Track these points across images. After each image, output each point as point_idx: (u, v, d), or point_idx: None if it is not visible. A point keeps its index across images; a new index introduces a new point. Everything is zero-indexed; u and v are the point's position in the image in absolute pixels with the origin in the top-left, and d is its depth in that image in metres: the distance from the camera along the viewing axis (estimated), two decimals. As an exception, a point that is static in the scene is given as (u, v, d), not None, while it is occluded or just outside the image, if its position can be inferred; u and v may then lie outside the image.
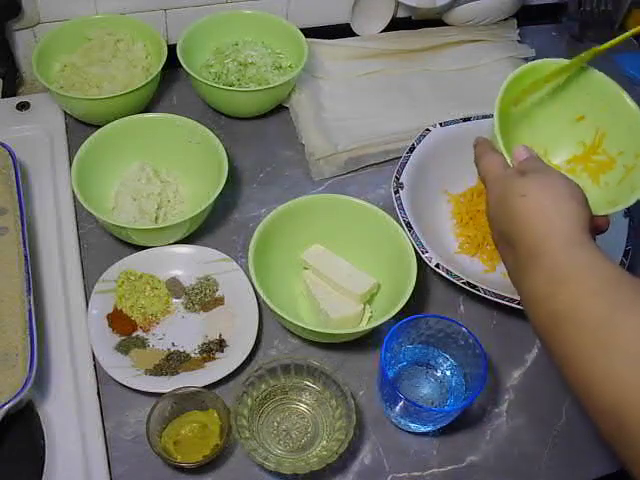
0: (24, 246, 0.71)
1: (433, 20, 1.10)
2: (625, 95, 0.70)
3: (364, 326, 0.74)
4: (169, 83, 0.97)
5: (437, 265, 0.74)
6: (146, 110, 0.90)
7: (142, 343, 0.72)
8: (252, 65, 0.94)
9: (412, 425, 0.68)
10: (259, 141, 0.94)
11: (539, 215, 0.55)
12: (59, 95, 0.85)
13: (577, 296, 0.51)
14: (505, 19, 1.11)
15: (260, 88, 0.90)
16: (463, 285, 0.73)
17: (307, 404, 0.68)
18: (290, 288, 0.78)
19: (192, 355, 0.71)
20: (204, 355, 0.71)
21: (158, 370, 0.69)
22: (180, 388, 0.65)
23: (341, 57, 1.04)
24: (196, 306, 0.75)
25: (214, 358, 0.71)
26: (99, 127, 0.81)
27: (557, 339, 0.51)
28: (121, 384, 0.68)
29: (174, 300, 0.76)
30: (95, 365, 0.70)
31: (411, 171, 0.83)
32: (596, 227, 0.61)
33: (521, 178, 0.59)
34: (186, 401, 0.65)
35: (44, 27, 0.93)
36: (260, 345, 0.74)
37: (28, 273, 0.69)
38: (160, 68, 0.88)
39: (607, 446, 0.70)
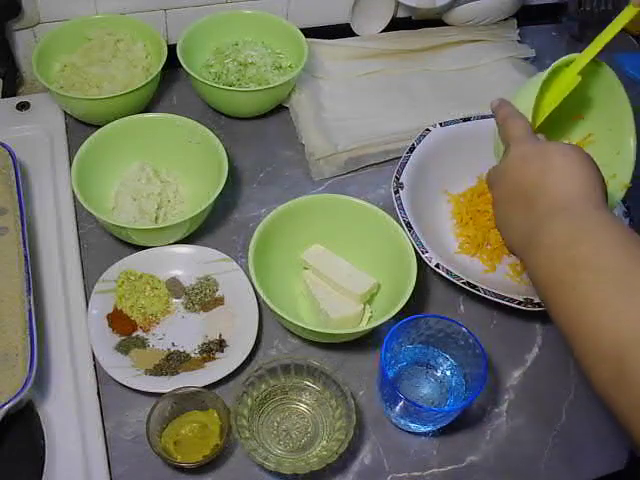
0: (24, 246, 0.71)
1: (433, 20, 1.10)
2: (630, 120, 0.71)
3: (364, 326, 0.74)
4: (169, 83, 0.97)
5: (437, 265, 0.74)
6: (146, 110, 0.90)
7: (142, 343, 0.72)
8: (252, 65, 0.94)
9: (412, 425, 0.68)
10: (259, 141, 0.94)
11: (577, 173, 0.58)
12: (59, 95, 0.85)
13: (600, 245, 0.52)
14: (505, 19, 1.11)
15: (260, 88, 0.90)
16: (463, 285, 0.73)
17: (307, 404, 0.68)
18: (290, 288, 0.78)
19: (192, 355, 0.71)
20: (204, 355, 0.71)
21: (158, 370, 0.69)
22: (180, 388, 0.65)
23: (341, 57, 1.04)
24: (196, 306, 0.75)
25: (214, 358, 0.71)
26: (99, 127, 0.81)
27: (570, 285, 0.52)
28: (121, 384, 0.68)
29: (174, 300, 0.76)
30: (95, 365, 0.70)
31: (411, 171, 0.83)
32: None
33: (560, 143, 0.62)
34: (186, 401, 0.65)
35: (44, 27, 0.93)
36: (260, 345, 0.74)
37: (28, 273, 0.69)
38: (160, 68, 0.88)
39: (607, 446, 0.70)
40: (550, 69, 0.67)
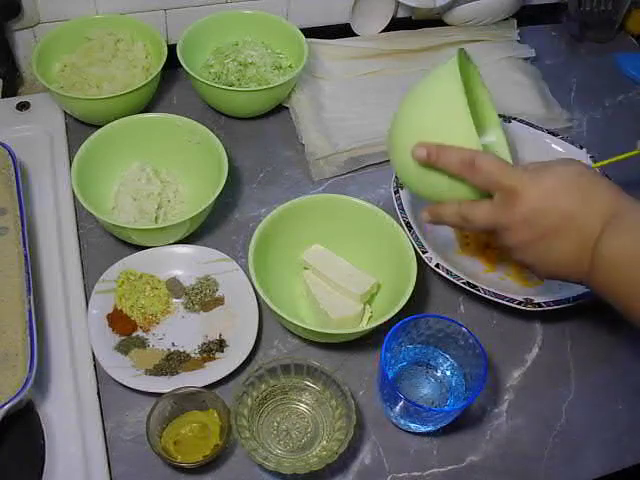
0: (24, 246, 0.71)
1: (433, 20, 1.10)
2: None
3: (364, 326, 0.74)
4: (169, 83, 0.97)
5: (437, 265, 0.74)
6: (146, 110, 0.90)
7: (142, 343, 0.72)
8: (252, 65, 0.94)
9: (412, 425, 0.68)
10: (259, 141, 0.94)
11: (606, 182, 0.61)
12: (59, 95, 0.85)
13: None
14: (505, 19, 1.11)
15: (260, 88, 0.90)
16: (463, 285, 0.73)
17: (307, 404, 0.68)
18: (290, 288, 0.78)
19: (192, 355, 0.71)
20: (204, 355, 0.71)
21: (158, 370, 0.69)
22: (180, 388, 0.65)
23: (341, 57, 1.04)
24: (196, 306, 0.75)
25: (214, 358, 0.71)
26: (99, 127, 0.81)
27: None
28: (121, 384, 0.68)
29: (174, 300, 0.76)
30: (95, 365, 0.70)
31: (411, 171, 0.83)
32: None
33: (573, 161, 0.64)
34: (186, 401, 0.65)
35: (44, 27, 0.93)
36: (260, 345, 0.74)
37: (28, 273, 0.69)
38: (160, 68, 0.88)
39: (607, 446, 0.70)
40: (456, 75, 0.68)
